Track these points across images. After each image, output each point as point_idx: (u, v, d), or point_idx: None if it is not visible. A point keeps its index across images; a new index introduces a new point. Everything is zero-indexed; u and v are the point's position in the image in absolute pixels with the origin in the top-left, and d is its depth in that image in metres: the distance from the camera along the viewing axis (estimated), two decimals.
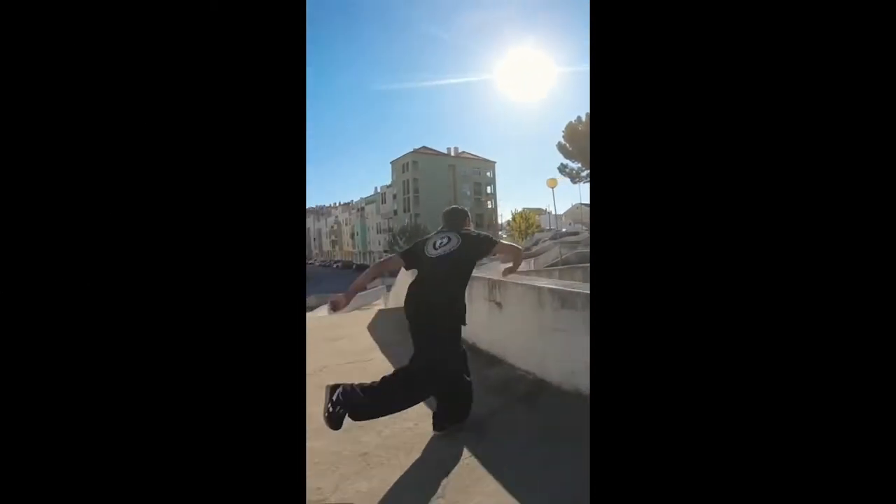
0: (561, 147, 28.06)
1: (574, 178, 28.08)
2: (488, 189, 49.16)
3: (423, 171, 43.97)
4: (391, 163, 48.52)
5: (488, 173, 49.11)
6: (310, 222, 64.99)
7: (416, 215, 42.04)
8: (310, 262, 58.64)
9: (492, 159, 49.88)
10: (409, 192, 44.56)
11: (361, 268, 41.54)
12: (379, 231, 42.38)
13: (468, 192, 45.93)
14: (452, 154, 48.62)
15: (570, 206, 45.02)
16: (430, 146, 47.06)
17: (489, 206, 47.80)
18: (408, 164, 44.93)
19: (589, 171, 28.29)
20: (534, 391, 2.34)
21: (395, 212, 46.13)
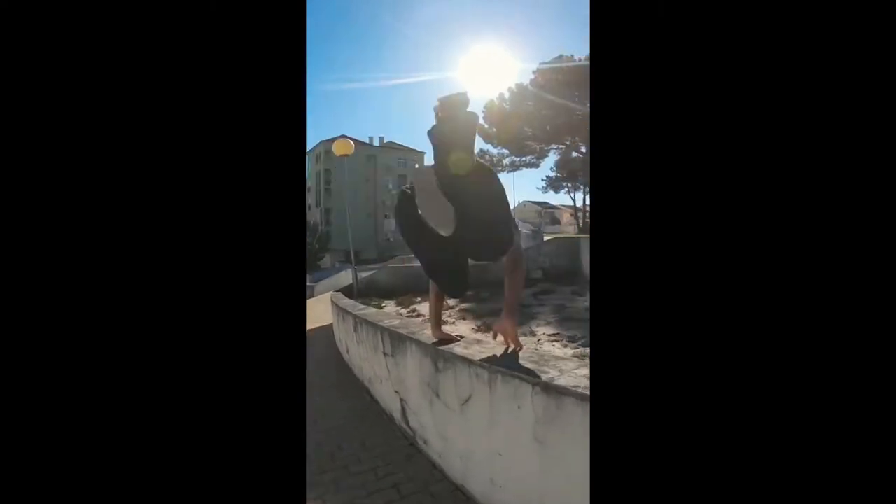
0: (481, 130, 23.22)
1: (496, 165, 22.34)
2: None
3: (336, 161, 39.50)
4: (307, 153, 43.79)
5: (416, 164, 44.67)
6: None
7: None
8: None
9: (420, 150, 45.52)
10: (320, 185, 39.98)
11: None
12: None
13: (390, 186, 41.59)
14: (376, 144, 44.19)
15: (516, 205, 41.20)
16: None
17: None
18: (320, 153, 40.39)
19: (511, 158, 23.53)
20: None
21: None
